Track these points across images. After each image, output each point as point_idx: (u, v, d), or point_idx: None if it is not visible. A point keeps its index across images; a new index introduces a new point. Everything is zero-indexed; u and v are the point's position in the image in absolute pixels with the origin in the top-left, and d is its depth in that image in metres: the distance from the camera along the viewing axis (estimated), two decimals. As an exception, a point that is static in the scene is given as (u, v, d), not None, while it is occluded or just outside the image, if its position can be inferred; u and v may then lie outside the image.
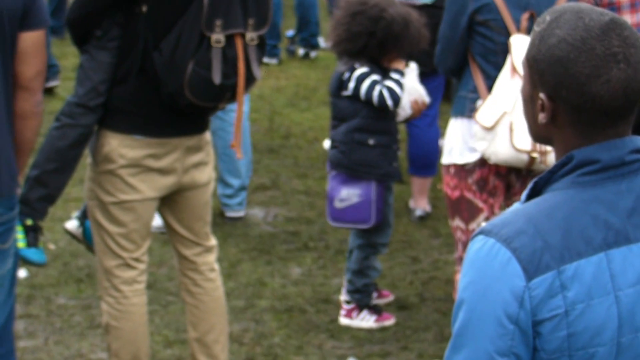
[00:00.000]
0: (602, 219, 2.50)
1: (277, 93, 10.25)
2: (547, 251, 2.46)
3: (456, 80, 5.80)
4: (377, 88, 6.05)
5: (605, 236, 2.50)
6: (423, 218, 7.87)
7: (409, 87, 6.20)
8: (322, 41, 11.38)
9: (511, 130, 5.21)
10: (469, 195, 5.56)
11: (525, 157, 5.27)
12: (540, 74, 2.55)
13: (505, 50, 5.33)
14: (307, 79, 10.80)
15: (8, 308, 4.87)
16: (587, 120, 2.55)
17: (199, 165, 5.31)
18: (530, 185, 2.59)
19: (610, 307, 2.45)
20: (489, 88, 5.36)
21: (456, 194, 5.60)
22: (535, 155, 5.26)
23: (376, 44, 6.06)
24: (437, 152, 7.51)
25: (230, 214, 7.74)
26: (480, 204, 5.55)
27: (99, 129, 5.20)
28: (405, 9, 6.13)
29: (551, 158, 5.13)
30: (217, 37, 4.87)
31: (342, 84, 6.14)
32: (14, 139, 4.80)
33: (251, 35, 5.00)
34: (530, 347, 2.43)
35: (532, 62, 2.56)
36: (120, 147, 5.12)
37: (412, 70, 6.26)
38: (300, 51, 11.53)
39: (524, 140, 5.14)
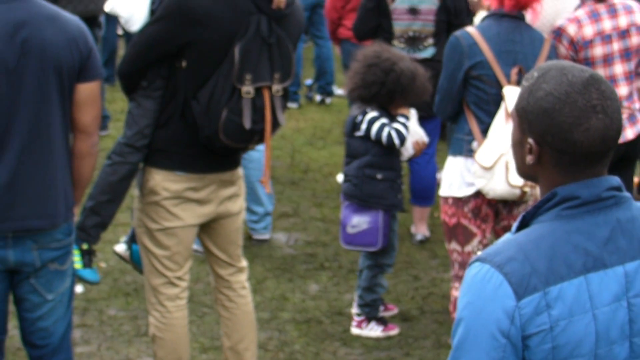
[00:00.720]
0: (582, 247, 2.53)
1: (297, 133, 10.24)
2: (535, 275, 2.48)
3: (452, 124, 5.78)
4: (386, 130, 6.04)
5: (585, 262, 2.52)
6: (423, 242, 7.86)
7: (411, 130, 6.19)
8: (336, 89, 11.37)
9: (507, 169, 5.25)
10: (464, 221, 5.57)
11: (518, 191, 5.32)
12: (529, 122, 2.57)
13: (496, 100, 5.37)
14: (323, 122, 10.79)
15: (67, 320, 4.88)
16: (569, 162, 2.57)
17: (232, 196, 5.31)
18: (519, 218, 2.63)
19: (588, 323, 2.47)
20: (483, 132, 5.40)
21: (453, 221, 5.61)
22: (526, 189, 5.32)
23: (386, 93, 6.06)
24: (435, 185, 7.51)
25: (256, 236, 7.72)
26: (475, 229, 5.56)
27: (145, 166, 5.20)
28: (413, 64, 6.13)
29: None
30: (247, 89, 4.86)
31: (355, 125, 6.13)
32: (71, 175, 4.79)
33: (277, 88, 4.99)
34: (519, 358, 2.46)
35: (522, 112, 2.59)
36: (164, 181, 5.12)
37: (412, 115, 6.24)
38: (318, 97, 11.52)
39: (517, 178, 5.12)
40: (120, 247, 5.75)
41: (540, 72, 2.59)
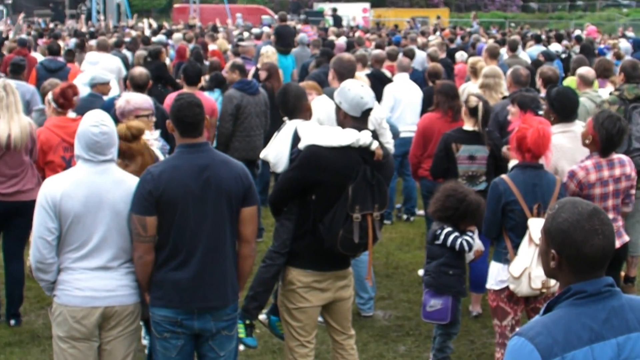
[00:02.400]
0: (588, 325, 2.62)
1: (390, 241, 10.21)
2: (555, 345, 2.58)
3: (495, 241, 5.81)
4: (459, 240, 6.05)
5: (590, 336, 2.61)
6: (477, 316, 7.77)
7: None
8: (417, 211, 11.34)
9: (529, 278, 5.34)
10: (502, 304, 5.63)
11: (537, 292, 5.39)
12: (552, 239, 2.73)
13: (523, 227, 5.43)
14: (408, 234, 10.76)
15: (233, 369, 4.94)
16: (580, 267, 2.69)
17: (345, 286, 5.35)
18: (545, 305, 2.74)
19: None
20: (514, 248, 5.47)
21: (494, 304, 5.69)
22: (544, 290, 5.37)
23: (458, 215, 6.07)
24: (486, 278, 7.41)
25: (363, 313, 7.69)
26: (509, 310, 5.61)
27: (286, 265, 5.25)
28: (478, 197, 6.16)
29: (553, 289, 5.28)
30: (357, 216, 4.92)
31: (435, 236, 6.13)
32: (237, 270, 4.85)
33: (376, 214, 5.03)
34: None
35: (547, 231, 2.74)
36: (298, 275, 5.20)
37: (474, 231, 6.20)
38: (404, 216, 11.46)
39: (537, 283, 5.31)
40: (263, 317, 5.79)
41: (560, 205, 2.73)
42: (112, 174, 4.74)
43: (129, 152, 5.17)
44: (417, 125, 8.71)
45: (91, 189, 4.64)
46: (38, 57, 14.65)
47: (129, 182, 4.75)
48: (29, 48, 15.28)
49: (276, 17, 29.13)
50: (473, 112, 7.15)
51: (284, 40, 15.13)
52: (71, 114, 7.27)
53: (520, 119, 5.72)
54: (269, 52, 13.04)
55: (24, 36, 16.88)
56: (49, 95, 7.27)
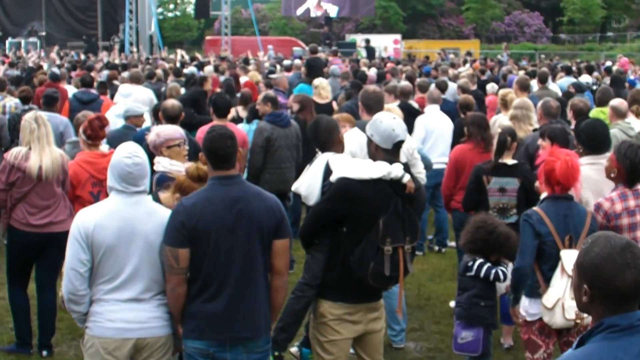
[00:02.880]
0: (620, 359, 2.60)
1: (422, 273, 10.18)
2: None
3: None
4: (492, 271, 6.06)
5: None
6: (508, 349, 7.72)
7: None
8: (449, 242, 11.30)
9: (563, 309, 5.30)
10: (533, 337, 5.58)
11: (571, 322, 5.33)
12: (584, 273, 2.71)
13: (555, 259, 5.40)
14: (439, 265, 10.73)
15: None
16: (612, 301, 2.67)
17: (376, 319, 5.32)
18: (578, 339, 2.73)
19: None
20: (545, 281, 5.45)
21: (526, 336, 5.64)
22: (578, 321, 5.32)
23: (489, 247, 6.06)
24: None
25: (394, 345, 7.65)
26: (540, 343, 5.57)
27: (317, 297, 5.24)
28: (507, 229, 6.15)
29: (587, 321, 5.21)
30: (388, 248, 4.92)
31: (467, 268, 6.13)
32: (270, 303, 4.84)
33: (408, 247, 5.02)
34: None
35: (580, 266, 2.72)
36: (330, 308, 5.18)
37: (508, 263, 6.18)
38: (436, 248, 11.43)
39: (571, 314, 5.26)
40: (295, 349, 5.79)
41: (593, 239, 2.71)
42: (144, 205, 4.78)
43: (189, 191, 5.14)
44: (449, 157, 8.74)
45: (124, 221, 4.68)
46: (71, 89, 14.80)
47: (161, 213, 4.79)
48: (60, 79, 15.46)
49: (307, 48, 29.26)
50: (503, 145, 7.18)
51: (315, 72, 15.21)
52: (104, 146, 7.36)
53: (548, 151, 5.74)
54: (323, 84, 13.13)
55: (55, 69, 17.09)
56: (81, 128, 7.40)
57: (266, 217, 4.72)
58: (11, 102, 12.24)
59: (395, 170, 4.99)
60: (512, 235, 6.00)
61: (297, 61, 21.84)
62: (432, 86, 13.09)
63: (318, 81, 13.39)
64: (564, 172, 5.41)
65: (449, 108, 12.15)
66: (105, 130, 7.36)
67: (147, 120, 10.45)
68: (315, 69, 15.38)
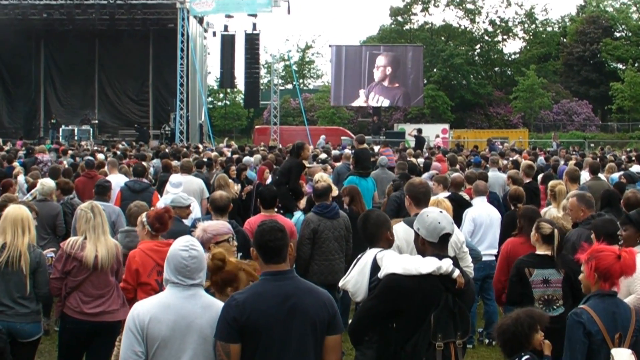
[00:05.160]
0: None
1: (471, 367, 10.07)
2: None
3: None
4: None
5: None
6: None
7: None
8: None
9: None
10: None
11: None
12: None
13: (605, 358, 5.32)
14: (490, 358, 10.60)
15: None
16: None
17: None
18: None
19: None
20: None
21: None
22: None
23: (520, 338, 5.47)
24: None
25: None
26: None
27: None
28: (525, 311, 5.67)
29: None
30: (439, 344, 4.92)
31: None
32: None
33: (459, 342, 5.01)
34: None
35: None
36: None
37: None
38: (487, 341, 11.30)
39: None
40: None
41: None
42: (200, 299, 4.84)
43: (229, 277, 5.18)
44: (501, 250, 8.73)
45: (179, 314, 4.74)
46: (116, 178, 14.46)
47: (217, 307, 4.82)
48: (99, 167, 15.57)
49: (354, 138, 29.52)
50: (547, 238, 7.19)
51: (362, 163, 15.32)
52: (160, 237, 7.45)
53: (594, 247, 5.68)
54: (324, 177, 13.23)
55: (90, 157, 17.31)
56: (143, 218, 7.42)
57: (319, 312, 4.74)
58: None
59: (445, 265, 5.03)
60: (534, 314, 5.55)
61: (347, 151, 22.02)
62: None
63: (318, 176, 13.41)
64: (629, 266, 5.36)
65: (493, 199, 12.16)
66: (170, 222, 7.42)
67: (196, 210, 10.54)
68: (363, 159, 15.48)
